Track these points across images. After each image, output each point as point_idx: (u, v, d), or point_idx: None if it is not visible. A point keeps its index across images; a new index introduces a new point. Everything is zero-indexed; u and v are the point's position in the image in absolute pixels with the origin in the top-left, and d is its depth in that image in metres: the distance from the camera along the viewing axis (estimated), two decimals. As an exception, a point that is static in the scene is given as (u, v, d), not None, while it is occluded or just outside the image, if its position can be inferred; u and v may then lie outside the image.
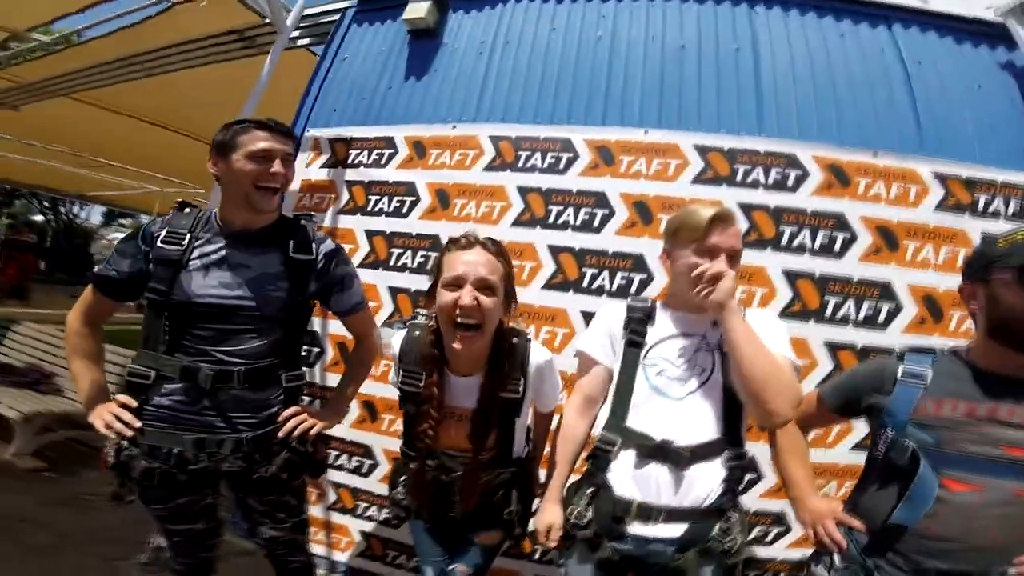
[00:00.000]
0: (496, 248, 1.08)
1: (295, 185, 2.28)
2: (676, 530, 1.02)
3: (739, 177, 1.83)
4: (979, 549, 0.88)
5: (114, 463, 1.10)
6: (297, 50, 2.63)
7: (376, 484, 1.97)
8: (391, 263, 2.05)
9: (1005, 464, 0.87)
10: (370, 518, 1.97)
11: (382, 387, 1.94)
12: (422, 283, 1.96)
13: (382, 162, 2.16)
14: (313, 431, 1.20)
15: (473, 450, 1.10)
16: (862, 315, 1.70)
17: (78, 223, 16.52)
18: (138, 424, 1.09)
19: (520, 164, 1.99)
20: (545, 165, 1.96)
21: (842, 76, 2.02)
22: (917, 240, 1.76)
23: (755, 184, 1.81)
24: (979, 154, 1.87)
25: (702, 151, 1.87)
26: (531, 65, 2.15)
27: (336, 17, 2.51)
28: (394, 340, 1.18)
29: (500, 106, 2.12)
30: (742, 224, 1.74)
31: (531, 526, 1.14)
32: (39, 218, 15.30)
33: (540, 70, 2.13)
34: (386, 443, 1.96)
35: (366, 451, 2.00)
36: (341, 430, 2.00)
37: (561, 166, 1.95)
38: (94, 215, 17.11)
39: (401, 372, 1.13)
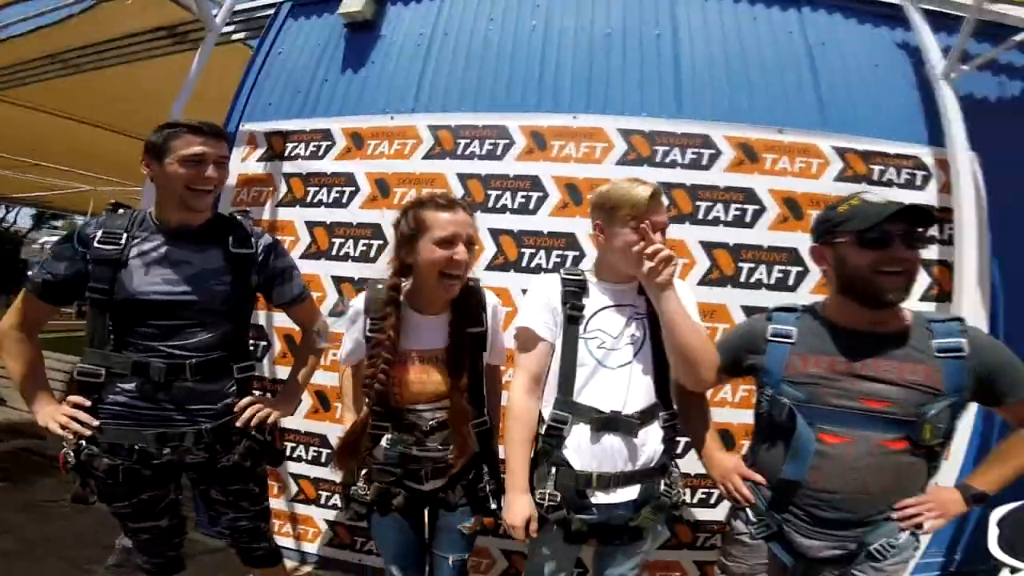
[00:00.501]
0: (470, 208, 1.21)
1: (232, 180, 2.27)
2: (632, 492, 1.11)
3: (659, 158, 1.97)
4: (858, 497, 0.97)
5: (75, 464, 1.11)
6: (232, 44, 2.57)
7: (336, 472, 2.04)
8: (333, 253, 2.09)
9: (865, 415, 0.95)
10: (334, 507, 2.03)
11: (333, 376, 1.97)
12: (365, 271, 2.02)
13: (320, 154, 2.19)
14: (271, 419, 1.26)
15: (450, 388, 1.15)
16: (773, 279, 1.89)
17: (4, 227, 15.28)
18: (96, 423, 1.11)
19: (459, 152, 2.06)
20: (483, 152, 2.04)
21: (754, 59, 2.18)
22: (820, 209, 1.92)
23: (673, 164, 1.97)
24: (876, 129, 2.07)
25: (625, 134, 2.00)
26: (470, 56, 2.21)
27: (271, 12, 2.48)
28: (355, 301, 1.24)
29: (439, 96, 2.17)
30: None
31: (506, 518, 1.14)
32: (-41, 224, 14.06)
33: (478, 61, 2.20)
34: (341, 431, 2.01)
35: (322, 440, 2.05)
36: (295, 421, 2.04)
37: (498, 152, 2.04)
38: (22, 218, 15.88)
39: (368, 321, 1.17)
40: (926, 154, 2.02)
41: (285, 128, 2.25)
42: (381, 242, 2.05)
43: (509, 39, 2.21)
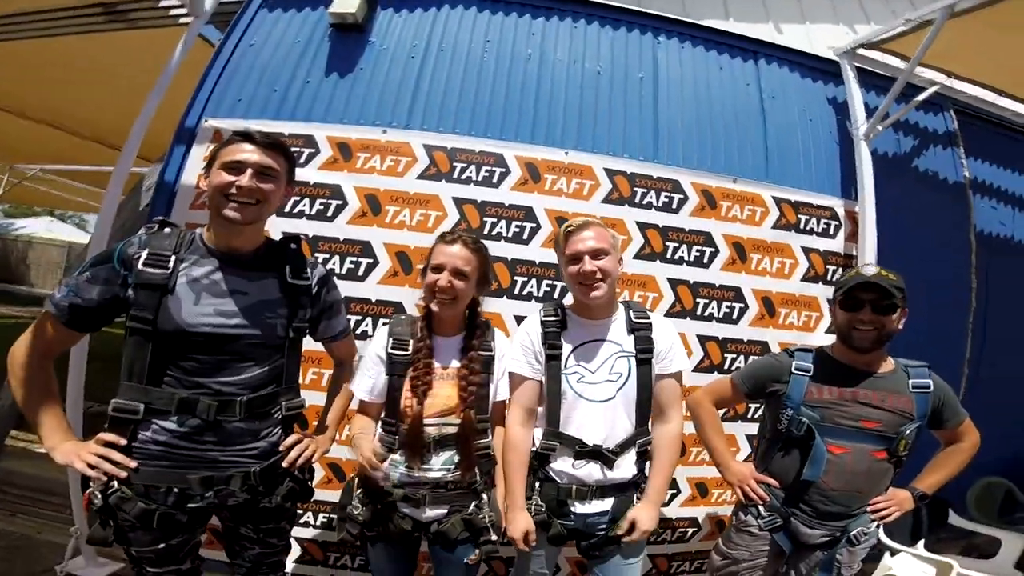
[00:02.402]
0: (473, 245, 1.39)
1: (190, 180, 2.17)
2: (606, 504, 1.36)
3: (638, 199, 2.33)
4: (852, 494, 1.39)
5: (101, 506, 1.08)
6: (180, 28, 2.37)
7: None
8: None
9: (863, 433, 1.37)
10: (306, 524, 2.10)
11: (308, 394, 2.03)
12: (353, 289, 2.12)
13: (301, 161, 2.18)
14: (315, 457, 1.28)
15: (460, 402, 1.33)
16: (721, 313, 2.37)
17: None
18: (133, 464, 1.08)
19: (455, 175, 2.22)
20: (480, 178, 2.23)
21: (718, 109, 2.61)
22: (759, 253, 2.45)
23: (649, 206, 2.34)
24: (804, 180, 2.59)
25: (610, 174, 2.32)
26: (466, 75, 2.34)
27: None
28: (379, 331, 1.43)
29: (434, 114, 2.28)
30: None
31: (508, 531, 1.32)
32: None
33: (475, 82, 2.33)
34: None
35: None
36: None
37: (495, 179, 2.23)
38: None
39: (391, 340, 1.37)
40: (839, 205, 2.58)
41: (258, 128, 2.17)
42: (371, 261, 2.15)
43: (506, 64, 2.38)
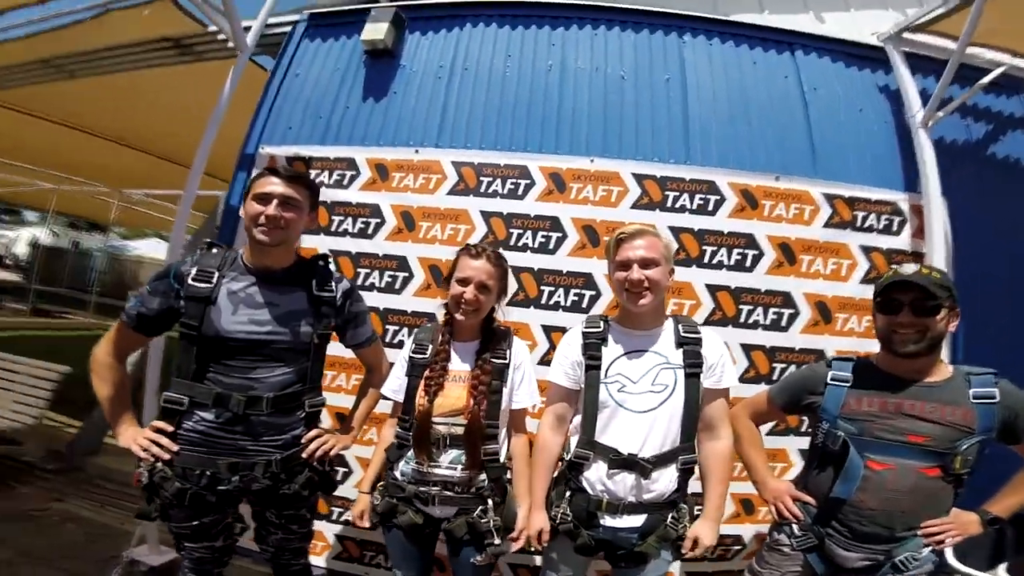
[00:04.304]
0: (496, 260, 1.49)
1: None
2: (638, 520, 1.31)
3: (669, 203, 2.26)
4: (893, 514, 1.24)
5: (147, 483, 1.28)
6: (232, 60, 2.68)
7: (351, 490, 2.21)
8: (358, 283, 2.28)
9: (909, 448, 1.22)
10: (346, 523, 2.21)
11: (350, 399, 2.16)
12: (390, 302, 2.23)
13: (344, 183, 2.37)
14: (333, 451, 1.43)
15: (467, 404, 1.39)
16: (768, 320, 2.21)
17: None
18: (175, 448, 1.28)
19: (482, 189, 2.29)
20: (505, 191, 2.28)
21: (753, 104, 2.48)
22: (810, 254, 2.27)
23: (682, 209, 2.26)
24: (859, 174, 2.38)
25: (639, 179, 2.28)
26: (490, 92, 2.43)
27: (286, 29, 2.61)
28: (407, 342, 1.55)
29: (461, 131, 2.38)
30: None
31: (526, 529, 1.36)
32: None
33: (498, 97, 2.42)
34: (358, 451, 2.22)
35: (340, 458, 2.21)
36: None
37: (520, 192, 2.28)
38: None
39: (414, 345, 1.50)
40: (903, 200, 2.35)
41: (307, 154, 2.41)
42: (407, 275, 2.27)
43: (527, 77, 2.45)
